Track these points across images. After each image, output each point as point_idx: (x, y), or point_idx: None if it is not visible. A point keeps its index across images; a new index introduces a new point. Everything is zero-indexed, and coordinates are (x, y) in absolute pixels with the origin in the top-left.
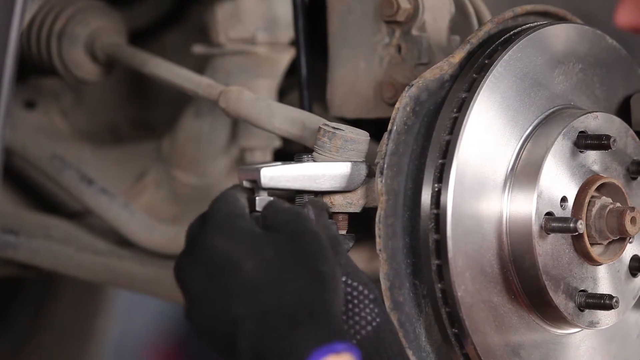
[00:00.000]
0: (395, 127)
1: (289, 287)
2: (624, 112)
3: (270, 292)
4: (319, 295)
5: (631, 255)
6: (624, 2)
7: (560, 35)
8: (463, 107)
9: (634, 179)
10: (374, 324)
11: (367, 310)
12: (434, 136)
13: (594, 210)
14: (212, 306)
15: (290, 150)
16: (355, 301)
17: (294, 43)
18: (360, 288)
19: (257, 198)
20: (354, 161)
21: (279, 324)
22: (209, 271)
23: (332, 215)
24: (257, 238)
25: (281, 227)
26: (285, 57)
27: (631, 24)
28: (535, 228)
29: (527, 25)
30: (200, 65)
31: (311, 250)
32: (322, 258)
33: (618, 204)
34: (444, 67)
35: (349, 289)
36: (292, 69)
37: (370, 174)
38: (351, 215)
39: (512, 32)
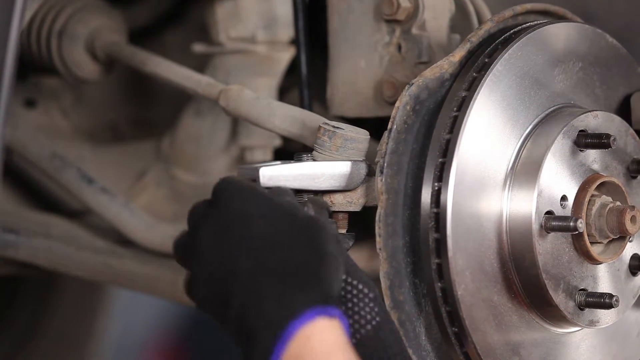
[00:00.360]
0: (395, 126)
1: (294, 252)
2: (624, 110)
3: (275, 252)
4: (320, 266)
5: (631, 254)
6: None
7: (560, 34)
8: (463, 105)
9: (634, 177)
10: (373, 322)
11: (367, 309)
12: (434, 135)
13: (594, 209)
14: (215, 259)
15: (291, 149)
16: (355, 300)
17: (294, 42)
18: (360, 287)
19: None
20: (354, 160)
21: (273, 282)
22: (220, 226)
23: (332, 214)
24: (273, 205)
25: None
26: (286, 56)
27: None
28: (535, 227)
29: (527, 24)
30: (201, 64)
31: (320, 229)
32: (329, 240)
33: (618, 203)
34: (444, 65)
35: (348, 287)
36: (293, 68)
37: (371, 173)
38: (351, 214)
39: (512, 31)
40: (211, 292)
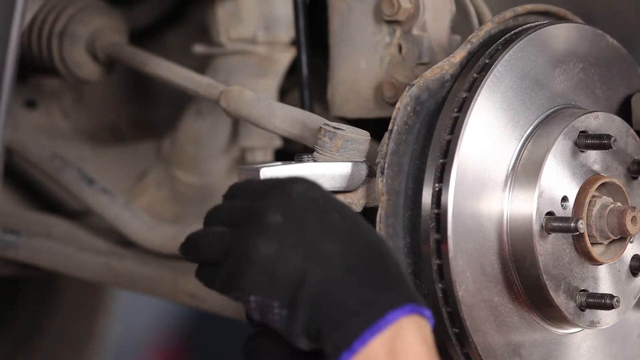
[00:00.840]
0: (395, 127)
1: (378, 248)
2: (624, 111)
3: (356, 243)
4: (402, 265)
5: (632, 255)
6: None
7: (561, 35)
8: (464, 106)
9: (635, 178)
10: None
11: None
12: (434, 136)
13: (595, 209)
14: (292, 237)
15: (291, 150)
16: None
17: (295, 43)
18: None
19: None
20: (355, 161)
21: (361, 269)
22: (292, 209)
23: None
24: (337, 200)
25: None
26: (286, 57)
27: None
28: (536, 228)
29: (528, 25)
30: (201, 65)
31: (372, 230)
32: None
33: (619, 204)
34: (445, 66)
35: None
36: (293, 69)
37: (371, 174)
38: None
39: (512, 32)
40: (279, 272)
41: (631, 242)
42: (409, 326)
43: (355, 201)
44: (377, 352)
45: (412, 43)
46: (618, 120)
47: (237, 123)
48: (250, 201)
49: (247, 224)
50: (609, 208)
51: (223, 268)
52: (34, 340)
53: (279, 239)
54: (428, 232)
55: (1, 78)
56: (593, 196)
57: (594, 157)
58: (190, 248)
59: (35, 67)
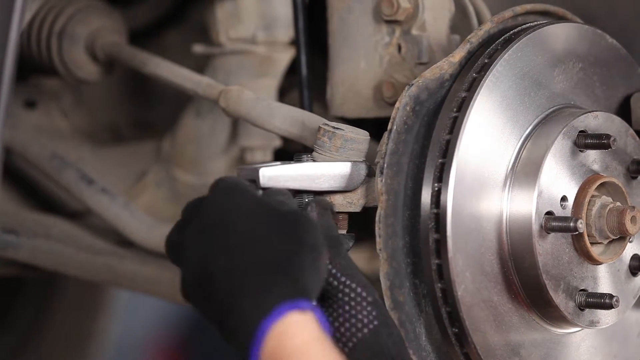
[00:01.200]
0: (395, 127)
1: (266, 247)
2: (624, 111)
3: (253, 248)
4: (293, 258)
5: (631, 255)
6: None
7: (560, 35)
8: (463, 106)
9: (634, 178)
10: (370, 326)
11: (365, 312)
12: (434, 135)
13: (594, 209)
14: (197, 259)
15: (291, 150)
16: (353, 303)
17: (294, 42)
18: (359, 290)
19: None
20: (354, 161)
21: (247, 281)
22: (203, 225)
23: (334, 214)
24: (256, 202)
25: (277, 204)
26: (285, 57)
27: None
28: (535, 227)
29: (527, 25)
30: (201, 65)
31: (300, 222)
32: (308, 230)
33: (618, 203)
34: (444, 66)
35: (346, 290)
36: (292, 69)
37: (370, 174)
38: (351, 215)
39: (512, 32)
40: (196, 291)
41: (630, 242)
42: (288, 329)
43: (355, 201)
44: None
45: (412, 43)
46: (617, 120)
47: (237, 123)
48: (179, 228)
49: (177, 250)
50: (608, 208)
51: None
52: (34, 340)
53: (192, 263)
54: (427, 232)
55: (1, 78)
56: (592, 196)
57: (593, 157)
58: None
59: (34, 67)
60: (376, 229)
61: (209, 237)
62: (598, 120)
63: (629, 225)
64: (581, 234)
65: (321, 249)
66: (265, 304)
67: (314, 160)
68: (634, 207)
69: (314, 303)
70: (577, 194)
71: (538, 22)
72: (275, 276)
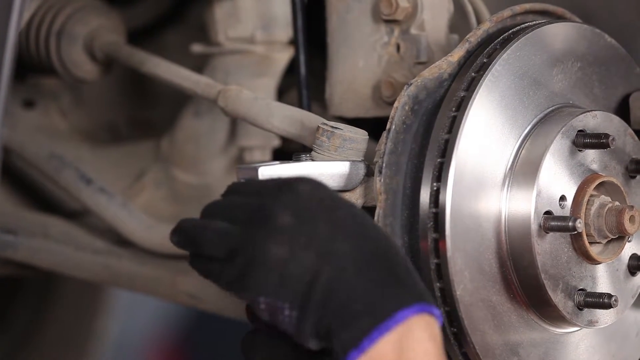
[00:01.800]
0: (393, 126)
1: (386, 246)
2: (623, 110)
3: (367, 241)
4: (410, 263)
5: (630, 254)
6: None
7: (559, 34)
8: (462, 106)
9: (633, 177)
10: None
11: None
12: (432, 135)
13: (593, 209)
14: (303, 236)
15: (290, 150)
16: None
17: (293, 42)
18: None
19: None
20: (353, 160)
21: (373, 268)
22: (302, 209)
23: None
24: (342, 198)
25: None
26: (284, 56)
27: None
28: (534, 227)
29: (526, 24)
30: (199, 65)
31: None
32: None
33: (617, 203)
34: (443, 66)
35: None
36: (291, 68)
37: (369, 173)
38: None
39: (510, 31)
40: (292, 274)
41: (629, 241)
42: (418, 325)
43: (353, 200)
44: (385, 351)
45: (410, 42)
46: (616, 119)
47: (236, 122)
48: (256, 200)
49: (256, 224)
50: (607, 207)
51: (231, 267)
52: (33, 340)
53: (290, 241)
54: (426, 232)
55: None
56: (591, 195)
57: (592, 156)
58: (186, 237)
59: (33, 67)
60: None
61: (316, 219)
62: (597, 120)
63: (627, 225)
64: (580, 234)
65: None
66: (399, 296)
67: (313, 160)
68: (632, 207)
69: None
70: (575, 194)
71: (537, 22)
72: (400, 275)
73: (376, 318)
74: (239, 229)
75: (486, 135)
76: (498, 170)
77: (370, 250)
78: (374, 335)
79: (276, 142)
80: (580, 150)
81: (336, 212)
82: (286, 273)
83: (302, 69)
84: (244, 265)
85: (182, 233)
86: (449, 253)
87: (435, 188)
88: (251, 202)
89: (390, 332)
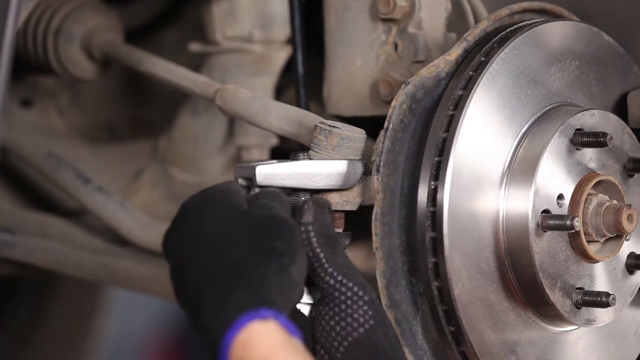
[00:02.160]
0: (391, 125)
1: (232, 255)
2: (620, 109)
3: (220, 257)
4: (257, 265)
5: (628, 253)
6: None
7: (557, 33)
8: (459, 104)
9: (631, 176)
10: (366, 325)
11: (361, 312)
12: (430, 134)
13: (591, 207)
14: (176, 268)
15: (287, 149)
16: (349, 302)
17: (291, 41)
18: (355, 289)
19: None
20: (350, 159)
21: (212, 291)
22: (182, 235)
23: (331, 212)
24: (235, 211)
25: (258, 209)
26: (282, 55)
27: None
28: (531, 226)
29: (524, 23)
30: (197, 64)
31: (273, 228)
32: (281, 236)
33: (615, 202)
34: (440, 64)
35: (343, 289)
36: (289, 67)
37: (367, 172)
38: (348, 214)
39: (508, 30)
40: (177, 297)
41: (627, 240)
42: (252, 339)
43: (351, 199)
44: (236, 357)
45: (408, 41)
46: (614, 118)
47: (233, 121)
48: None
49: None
50: (605, 206)
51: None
52: (31, 339)
53: (173, 272)
54: (424, 230)
55: None
56: (589, 194)
57: (589, 155)
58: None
59: (30, 66)
60: (372, 227)
61: (186, 243)
62: (594, 119)
63: (625, 224)
64: (578, 232)
65: (295, 255)
66: (226, 314)
67: (311, 159)
68: (630, 205)
69: (282, 310)
70: (573, 192)
71: (534, 20)
72: (238, 284)
73: (216, 345)
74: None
75: (484, 134)
76: (496, 169)
77: (218, 268)
78: (226, 341)
79: (274, 141)
80: (578, 149)
81: (203, 236)
82: (177, 299)
83: (300, 68)
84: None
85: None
86: (447, 252)
87: (432, 187)
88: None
89: (230, 356)
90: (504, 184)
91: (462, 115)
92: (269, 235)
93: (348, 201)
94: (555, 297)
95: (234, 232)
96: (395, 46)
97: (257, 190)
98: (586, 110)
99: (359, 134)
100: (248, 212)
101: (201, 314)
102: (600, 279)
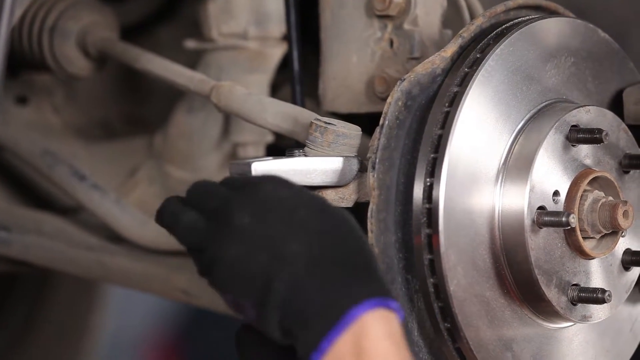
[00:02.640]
0: (387, 122)
1: (342, 243)
2: (616, 105)
3: (323, 239)
4: (371, 260)
5: (624, 249)
6: None
7: (552, 29)
8: (455, 101)
9: (627, 172)
10: None
11: None
12: (425, 130)
13: (587, 204)
14: (258, 240)
15: (283, 146)
16: None
17: (286, 38)
18: None
19: None
20: (346, 156)
21: (327, 268)
22: (259, 208)
23: None
24: (306, 193)
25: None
26: (278, 52)
27: None
28: (527, 222)
29: (519, 19)
30: (193, 61)
31: (356, 225)
32: (363, 235)
33: (610, 198)
34: (436, 61)
35: None
36: (285, 64)
37: (362, 169)
38: None
39: (504, 26)
40: (246, 274)
41: (623, 236)
42: (374, 321)
43: (347, 196)
44: (342, 351)
45: (404, 38)
46: (610, 114)
47: (229, 118)
48: (224, 196)
49: (217, 223)
50: (600, 202)
51: (200, 260)
52: (28, 337)
53: (246, 240)
54: (419, 227)
55: None
56: (585, 190)
57: (585, 152)
58: (164, 223)
59: (26, 63)
60: (368, 224)
61: (272, 220)
62: (590, 115)
63: (621, 220)
64: (573, 229)
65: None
66: (351, 294)
67: (306, 155)
68: (626, 202)
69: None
70: (569, 189)
71: (530, 17)
72: (356, 271)
73: (330, 319)
74: (205, 223)
75: (479, 130)
76: (491, 166)
77: (326, 248)
78: (331, 337)
79: (269, 138)
80: (573, 146)
81: (295, 212)
82: (242, 273)
83: (296, 65)
84: (208, 260)
85: (161, 218)
86: (442, 249)
87: (428, 183)
88: (221, 197)
89: (346, 332)
90: (499, 181)
91: (457, 112)
92: (359, 232)
93: (343, 198)
94: (551, 293)
95: (329, 220)
96: (391, 43)
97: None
98: (582, 106)
99: (355, 130)
100: (325, 202)
101: (318, 289)
102: (596, 275)
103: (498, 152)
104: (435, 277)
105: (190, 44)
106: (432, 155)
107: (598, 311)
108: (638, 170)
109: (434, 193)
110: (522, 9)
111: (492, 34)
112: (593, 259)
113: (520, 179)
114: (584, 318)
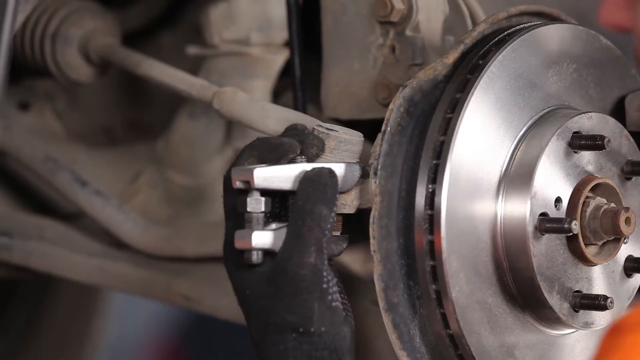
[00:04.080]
0: (389, 128)
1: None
2: (618, 112)
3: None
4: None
5: (626, 256)
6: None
7: (554, 36)
8: (457, 107)
9: (629, 179)
10: None
11: None
12: (428, 137)
13: (589, 210)
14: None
15: None
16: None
17: (288, 44)
18: None
19: (248, 199)
20: (348, 162)
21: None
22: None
23: None
24: None
25: None
26: (280, 58)
27: (614, 22)
28: (529, 229)
29: (521, 26)
30: (195, 67)
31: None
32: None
33: (612, 205)
34: (438, 67)
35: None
36: (286, 70)
37: (364, 175)
38: (345, 217)
39: (506, 33)
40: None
41: (625, 243)
42: None
43: (349, 202)
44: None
45: (406, 44)
46: (612, 120)
47: (231, 124)
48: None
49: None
50: (602, 209)
51: None
52: (30, 342)
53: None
54: (421, 233)
55: None
56: (587, 197)
57: (587, 158)
58: None
59: (28, 69)
60: (370, 230)
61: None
62: (592, 121)
63: (623, 227)
64: (575, 235)
65: None
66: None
67: (308, 162)
68: (628, 209)
69: None
70: (571, 195)
71: (532, 23)
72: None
73: None
74: None
75: (481, 137)
76: (493, 172)
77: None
78: None
79: None
80: (575, 152)
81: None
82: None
83: (298, 71)
84: None
85: None
86: (445, 255)
87: (430, 190)
88: None
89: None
90: (501, 187)
91: (459, 118)
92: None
93: (346, 204)
94: (553, 300)
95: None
96: (393, 49)
97: (254, 193)
98: (584, 113)
99: (357, 137)
100: None
101: None
102: (598, 282)
103: (500, 159)
104: (437, 283)
105: (192, 50)
106: (434, 162)
107: (600, 318)
108: None
109: (436, 199)
110: (524, 15)
111: (494, 41)
112: (595, 265)
113: (523, 185)
114: (586, 325)
